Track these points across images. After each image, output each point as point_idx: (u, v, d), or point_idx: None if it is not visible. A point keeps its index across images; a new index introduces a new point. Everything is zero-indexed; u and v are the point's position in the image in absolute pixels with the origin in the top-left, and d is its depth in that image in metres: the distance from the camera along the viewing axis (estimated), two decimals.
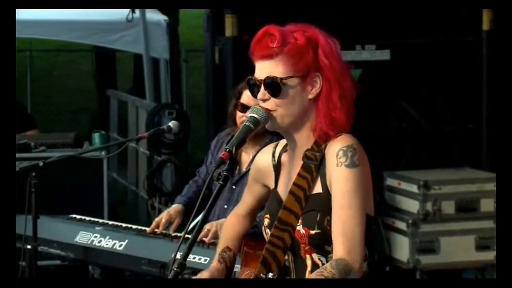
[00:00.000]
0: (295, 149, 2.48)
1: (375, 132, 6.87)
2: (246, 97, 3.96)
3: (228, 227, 2.72)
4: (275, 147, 2.58)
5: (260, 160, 2.61)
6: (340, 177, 2.34)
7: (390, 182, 6.65)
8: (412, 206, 6.39)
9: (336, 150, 2.36)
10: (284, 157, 2.54)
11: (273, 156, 2.57)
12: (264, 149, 2.64)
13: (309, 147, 2.44)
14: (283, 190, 2.50)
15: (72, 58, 15.44)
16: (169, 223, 4.11)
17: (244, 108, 3.96)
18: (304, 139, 2.45)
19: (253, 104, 3.89)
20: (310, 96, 2.42)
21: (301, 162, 2.44)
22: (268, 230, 2.49)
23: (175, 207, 4.19)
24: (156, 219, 4.14)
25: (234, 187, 3.99)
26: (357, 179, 2.33)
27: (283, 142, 2.58)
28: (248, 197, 2.70)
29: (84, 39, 8.73)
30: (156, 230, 4.07)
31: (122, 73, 14.11)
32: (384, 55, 6.92)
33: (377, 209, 7.28)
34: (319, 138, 2.43)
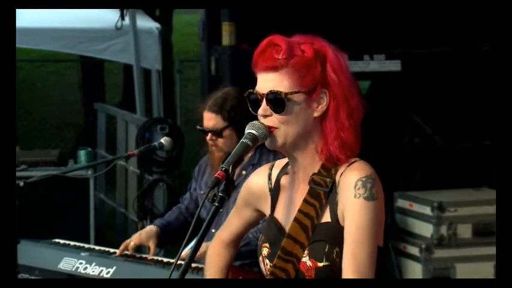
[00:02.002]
0: (299, 172, 2.47)
1: (384, 149, 6.87)
2: (205, 120, 3.98)
3: (215, 257, 2.70)
4: (271, 169, 2.57)
5: (254, 182, 2.59)
6: (357, 209, 2.35)
7: (401, 203, 6.64)
8: (425, 229, 6.38)
9: (354, 180, 2.36)
10: (284, 180, 2.53)
11: (269, 178, 2.56)
12: (257, 171, 2.63)
13: (316, 171, 2.43)
14: (283, 216, 2.49)
15: (57, 69, 15.48)
16: (139, 247, 4.13)
17: (206, 132, 3.98)
18: (308, 161, 2.44)
19: (211, 126, 3.95)
20: (316, 114, 2.42)
21: (307, 187, 2.43)
22: (267, 261, 2.47)
23: (148, 229, 4.20)
24: (126, 241, 4.14)
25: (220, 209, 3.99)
26: (374, 213, 2.35)
27: (279, 164, 2.57)
28: (235, 222, 2.68)
29: (70, 49, 8.75)
30: (127, 252, 4.09)
31: (111, 85, 14.13)
32: (394, 66, 6.93)
33: (387, 232, 7.23)
34: (326, 161, 2.42)
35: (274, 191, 2.54)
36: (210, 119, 3.96)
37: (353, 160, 2.42)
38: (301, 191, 2.45)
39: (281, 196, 2.52)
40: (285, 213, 2.48)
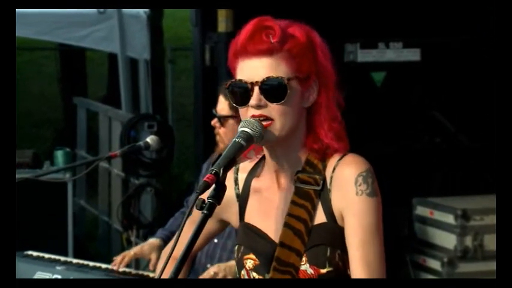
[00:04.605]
0: (281, 170, 2.48)
1: (401, 149, 6.87)
2: (219, 104, 4.08)
3: (164, 275, 2.66)
4: (236, 173, 2.58)
5: None
6: (361, 207, 2.38)
7: (421, 211, 6.64)
8: (448, 240, 6.38)
9: (353, 175, 2.39)
10: (256, 183, 2.54)
11: (236, 183, 2.57)
12: None
13: (300, 169, 2.45)
14: (262, 221, 2.50)
15: (33, 58, 15.50)
16: (139, 260, 4.15)
17: (213, 117, 4.09)
18: (293, 157, 2.46)
19: (218, 110, 4.01)
20: (307, 105, 2.45)
21: (292, 188, 2.45)
22: (255, 274, 2.48)
23: (151, 242, 4.26)
24: (124, 252, 4.18)
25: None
26: (377, 210, 2.39)
27: (245, 167, 2.58)
28: None
29: (47, 35, 8.75)
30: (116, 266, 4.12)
31: (93, 77, 14.15)
32: (413, 55, 6.93)
33: (405, 244, 7.18)
34: (313, 156, 2.45)
35: (243, 196, 2.55)
36: (219, 103, 4.09)
37: (343, 153, 2.44)
38: (285, 192, 2.47)
39: (254, 200, 2.53)
40: (266, 219, 2.49)
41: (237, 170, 2.58)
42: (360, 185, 2.38)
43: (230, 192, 2.54)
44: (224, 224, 2.63)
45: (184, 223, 2.25)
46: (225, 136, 4.04)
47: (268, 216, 2.48)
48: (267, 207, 2.50)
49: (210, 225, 2.60)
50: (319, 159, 2.44)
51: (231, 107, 4.00)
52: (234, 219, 2.57)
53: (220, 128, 4.06)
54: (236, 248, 2.52)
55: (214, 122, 4.09)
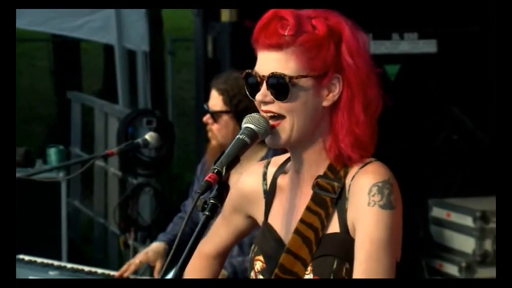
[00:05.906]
0: (302, 172, 2.48)
1: (417, 146, 6.87)
2: (211, 99, 4.07)
3: (195, 272, 2.69)
4: (266, 167, 2.59)
5: (246, 183, 2.60)
6: (372, 219, 2.36)
7: (437, 212, 6.64)
8: (466, 244, 6.38)
9: (369, 185, 2.37)
10: (282, 180, 2.53)
11: (264, 178, 2.57)
12: (251, 170, 2.63)
13: (321, 173, 2.44)
14: (280, 224, 2.50)
15: (24, 50, 15.50)
16: (146, 267, 4.16)
17: (205, 112, 4.09)
18: (314, 159, 2.45)
19: (211, 105, 4.02)
20: (326, 104, 2.43)
21: (311, 192, 2.44)
22: (261, 277, 2.48)
23: (155, 247, 4.26)
24: (131, 260, 4.20)
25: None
26: (391, 224, 2.36)
27: (277, 161, 2.58)
28: (223, 231, 2.68)
29: (39, 26, 8.74)
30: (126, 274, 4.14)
31: (89, 70, 14.17)
32: (429, 46, 6.93)
33: (420, 247, 7.19)
34: (335, 161, 2.43)
35: (270, 193, 2.55)
36: (212, 98, 4.07)
37: (367, 161, 2.42)
38: (304, 196, 2.46)
39: (278, 199, 2.53)
40: (284, 221, 2.49)
41: (268, 164, 2.59)
42: (373, 195, 2.36)
43: (258, 188, 2.57)
44: (253, 221, 2.62)
45: (186, 223, 2.26)
46: (218, 133, 4.04)
47: (286, 219, 2.48)
48: (286, 209, 2.50)
49: (238, 221, 2.65)
50: (342, 165, 2.43)
51: (225, 102, 3.99)
52: (259, 217, 2.57)
53: (213, 124, 4.05)
54: (252, 247, 2.53)
55: (207, 118, 4.08)
